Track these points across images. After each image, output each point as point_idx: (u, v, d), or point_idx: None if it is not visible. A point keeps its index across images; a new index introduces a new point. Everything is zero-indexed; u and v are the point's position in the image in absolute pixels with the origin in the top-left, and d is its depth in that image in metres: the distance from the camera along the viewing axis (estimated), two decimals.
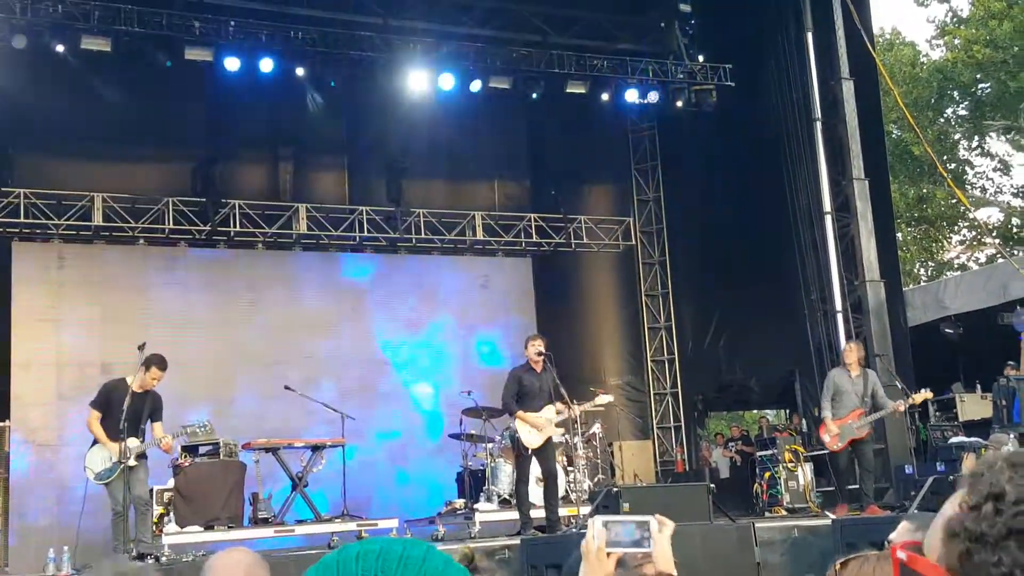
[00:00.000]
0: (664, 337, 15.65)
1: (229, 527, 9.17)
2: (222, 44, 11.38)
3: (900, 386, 10.93)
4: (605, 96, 13.26)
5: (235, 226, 13.28)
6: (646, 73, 13.29)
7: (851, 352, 9.36)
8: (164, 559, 7.98)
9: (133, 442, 7.79)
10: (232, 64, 11.50)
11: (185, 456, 9.53)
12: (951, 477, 7.23)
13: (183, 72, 11.62)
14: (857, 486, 9.60)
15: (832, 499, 10.42)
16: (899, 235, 21.53)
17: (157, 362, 8.05)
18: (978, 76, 23.58)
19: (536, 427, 8.51)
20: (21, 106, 11.98)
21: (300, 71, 11.84)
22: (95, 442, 8.10)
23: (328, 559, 1.32)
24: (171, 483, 9.34)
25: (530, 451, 8.58)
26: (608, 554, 2.07)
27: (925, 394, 9.54)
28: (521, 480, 8.76)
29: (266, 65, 11.64)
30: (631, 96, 13.26)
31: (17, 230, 12.38)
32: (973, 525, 1.17)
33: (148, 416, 7.99)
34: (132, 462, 7.75)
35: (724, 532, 6.87)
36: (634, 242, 15.86)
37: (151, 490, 8.91)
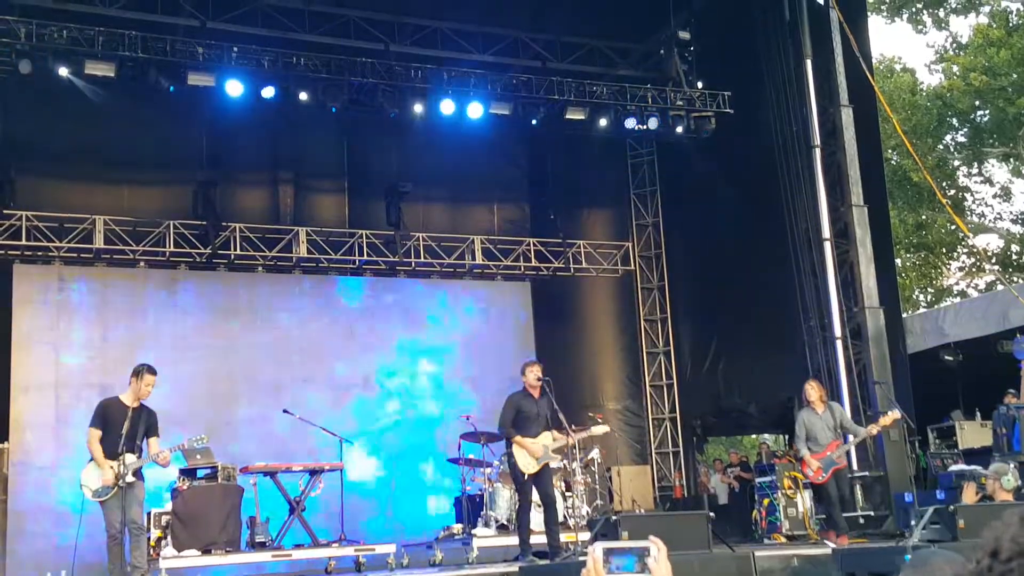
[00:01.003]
0: (663, 362, 15.66)
1: (227, 551, 9.14)
2: (224, 69, 11.46)
3: (900, 414, 10.94)
4: (604, 122, 13.34)
5: (235, 249, 13.33)
6: (645, 100, 13.37)
7: (812, 390, 9.58)
8: None
9: (130, 458, 7.77)
10: (234, 89, 11.58)
11: (183, 479, 9.51)
12: (951, 506, 7.20)
13: (185, 96, 11.70)
14: (854, 513, 9.61)
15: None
16: (898, 261, 21.59)
17: (148, 369, 8.05)
18: (976, 103, 23.72)
19: (532, 454, 8.50)
20: (24, 129, 12.07)
21: (302, 96, 11.91)
22: (91, 459, 8.07)
23: None
24: (169, 506, 9.30)
25: (526, 476, 8.55)
26: None
27: (893, 415, 9.70)
28: (523, 506, 8.72)
29: (267, 91, 11.71)
30: (630, 123, 13.34)
31: (19, 252, 12.41)
32: None
33: (144, 433, 7.96)
34: (130, 478, 7.71)
35: (723, 561, 6.85)
36: (633, 267, 15.90)
37: (148, 513, 8.87)
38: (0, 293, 12.06)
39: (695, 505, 13.35)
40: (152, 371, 8.04)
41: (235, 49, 11.52)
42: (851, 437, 9.57)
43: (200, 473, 9.72)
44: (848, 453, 9.63)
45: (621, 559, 2.07)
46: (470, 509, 10.56)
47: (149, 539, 8.64)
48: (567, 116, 13.13)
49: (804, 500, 10.95)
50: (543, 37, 13.65)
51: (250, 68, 11.63)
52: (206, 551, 9.02)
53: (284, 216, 13.96)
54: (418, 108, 12.52)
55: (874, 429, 9.58)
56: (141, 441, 7.85)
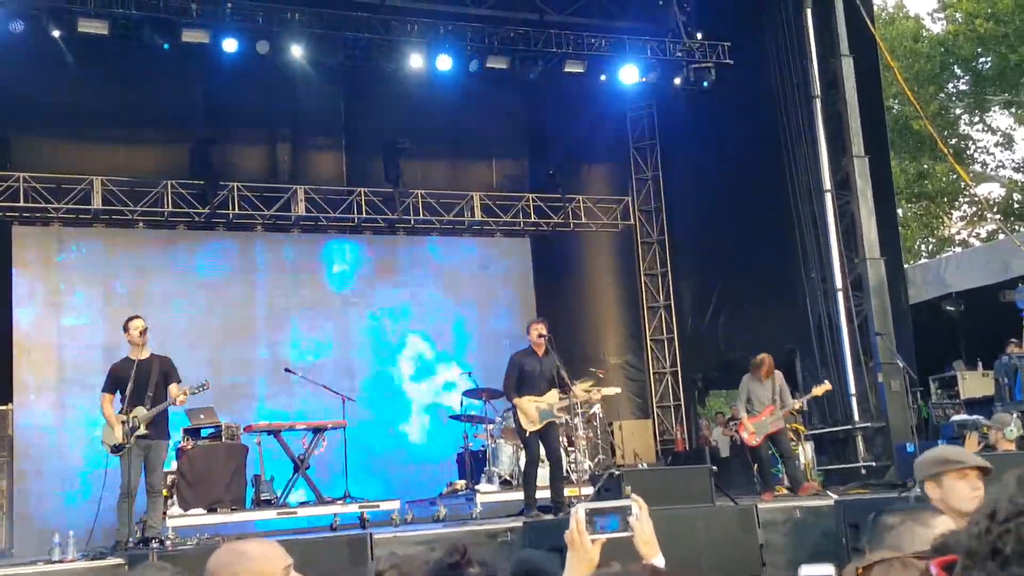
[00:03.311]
0: (663, 316, 15.66)
1: (232, 509, 9.21)
2: (219, 26, 11.30)
3: (901, 364, 10.96)
4: (603, 75, 13.18)
5: (234, 208, 13.27)
6: (644, 52, 13.21)
7: (764, 363, 10.19)
8: (169, 543, 8.01)
9: (139, 411, 7.81)
10: (229, 46, 11.43)
11: (187, 439, 9.57)
12: None
13: (180, 54, 11.55)
14: (855, 464, 9.78)
15: (840, 478, 10.90)
16: (899, 212, 21.49)
17: (129, 318, 8.14)
18: (979, 50, 23.46)
19: (528, 415, 8.50)
20: (19, 90, 11.94)
21: (297, 52, 11.76)
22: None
23: None
24: (174, 466, 9.36)
25: (529, 433, 8.58)
26: (592, 541, 2.09)
27: (825, 386, 10.34)
28: (529, 462, 8.76)
29: (262, 47, 11.56)
30: (629, 75, 13.19)
31: (17, 214, 12.36)
32: (967, 541, 1.18)
33: (160, 382, 7.99)
34: (143, 430, 7.76)
35: (726, 514, 6.89)
36: (633, 221, 15.84)
37: None
38: (0, 255, 12.01)
39: (697, 459, 13.43)
40: (135, 317, 8.12)
41: (229, 5, 11.35)
42: (784, 406, 10.09)
43: (204, 432, 9.78)
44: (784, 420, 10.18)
45: (604, 519, 2.07)
46: (472, 465, 10.63)
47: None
48: (565, 69, 12.97)
49: (805, 452, 11.04)
50: None
51: (244, 24, 11.47)
52: (212, 509, 9.10)
53: (282, 174, 13.87)
54: (415, 63, 12.37)
55: (798, 403, 10.30)
56: (156, 392, 7.88)
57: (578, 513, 2.08)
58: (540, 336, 8.66)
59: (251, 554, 2.40)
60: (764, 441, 9.90)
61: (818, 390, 10.29)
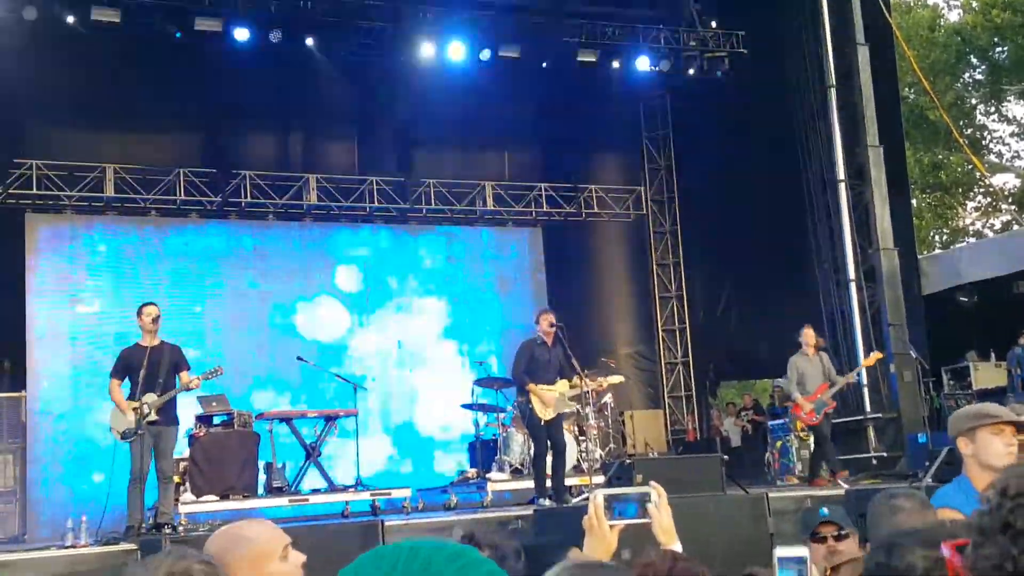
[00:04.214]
0: (675, 306, 15.63)
1: (244, 496, 9.25)
2: (232, 15, 11.30)
3: (914, 355, 10.92)
4: (616, 64, 13.13)
5: (246, 197, 13.30)
6: (657, 41, 13.15)
7: (811, 336, 9.82)
8: (181, 529, 8.05)
9: (150, 397, 7.85)
10: (242, 35, 11.44)
11: (200, 426, 9.60)
12: None
13: (193, 43, 11.56)
14: (867, 455, 9.72)
15: (850, 468, 10.59)
16: (913, 202, 21.37)
17: (144, 304, 8.19)
18: (996, 40, 23.27)
19: (547, 403, 8.52)
20: (33, 79, 11.96)
21: (310, 41, 11.75)
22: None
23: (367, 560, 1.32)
24: (186, 453, 9.41)
25: (542, 423, 8.59)
26: (611, 527, 2.08)
27: (876, 355, 10.11)
28: (538, 452, 8.77)
29: (275, 36, 11.56)
30: (642, 64, 13.14)
31: (30, 202, 12.41)
32: (978, 518, 1.19)
33: (171, 369, 8.03)
34: (153, 416, 7.80)
35: (737, 503, 6.87)
36: (645, 211, 15.80)
37: None
38: (13, 243, 12.07)
39: (708, 448, 13.43)
40: (149, 303, 8.16)
41: None
42: (835, 383, 9.80)
43: (216, 420, 9.82)
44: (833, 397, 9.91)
45: (622, 505, 2.06)
46: (484, 454, 10.64)
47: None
48: (578, 59, 12.93)
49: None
50: None
51: (257, 13, 11.46)
52: (224, 496, 9.13)
53: (294, 163, 13.88)
54: (427, 52, 12.35)
55: (852, 377, 10.02)
56: (166, 379, 7.92)
57: (596, 499, 2.07)
58: (551, 325, 8.66)
59: (249, 535, 2.39)
60: (824, 419, 9.50)
61: (868, 360, 9.98)
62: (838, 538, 3.42)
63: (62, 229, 12.57)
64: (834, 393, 9.67)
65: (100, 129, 12.90)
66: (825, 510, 3.47)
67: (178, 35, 11.22)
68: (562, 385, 8.69)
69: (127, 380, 8.05)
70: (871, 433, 11.69)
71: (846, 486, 8.54)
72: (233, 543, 2.35)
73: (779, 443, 11.34)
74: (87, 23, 10.87)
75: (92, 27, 11.01)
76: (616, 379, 9.62)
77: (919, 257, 14.38)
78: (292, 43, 11.82)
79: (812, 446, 10.02)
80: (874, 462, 11.30)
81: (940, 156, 24.78)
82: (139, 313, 8.14)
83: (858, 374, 10.36)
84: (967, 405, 10.83)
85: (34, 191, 12.33)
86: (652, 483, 2.13)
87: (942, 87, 23.09)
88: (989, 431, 3.29)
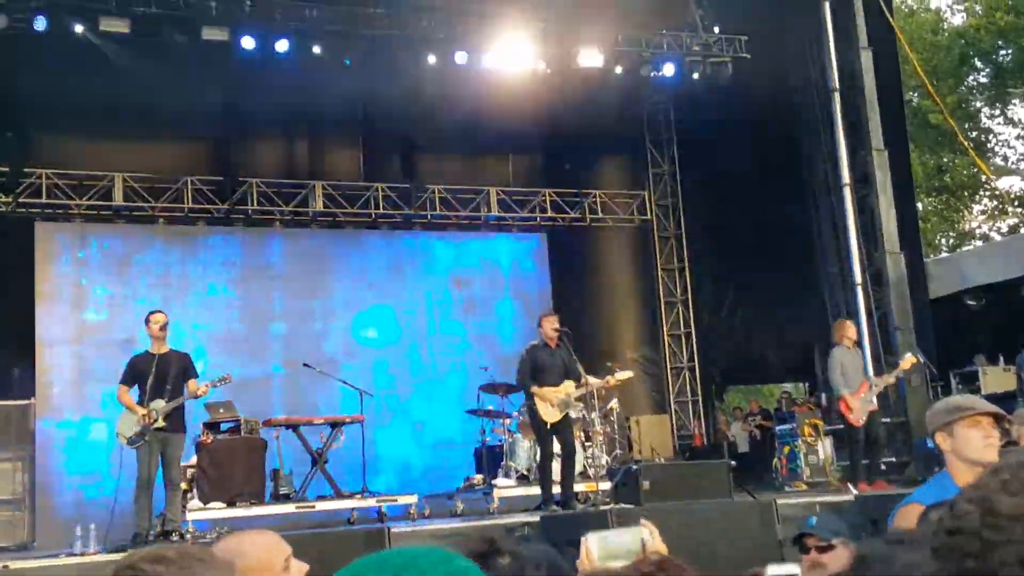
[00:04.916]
0: (680, 310, 15.62)
1: (251, 503, 9.28)
2: (238, 23, 11.35)
3: (922, 359, 10.90)
4: (619, 69, 13.15)
5: (253, 204, 13.35)
6: (661, 46, 13.16)
7: (850, 328, 9.46)
8: (188, 536, 8.08)
9: (158, 403, 7.88)
10: (248, 43, 11.49)
11: (207, 433, 9.64)
12: None
13: (200, 52, 11.61)
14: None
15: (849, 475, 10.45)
16: (919, 205, 21.35)
17: (151, 312, 8.25)
18: (1000, 43, 23.26)
19: (552, 402, 8.53)
20: (42, 88, 12.02)
21: (315, 49, 11.80)
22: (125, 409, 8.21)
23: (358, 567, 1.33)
24: (194, 460, 9.44)
25: (548, 426, 8.60)
26: (605, 571, 2.02)
27: (912, 359, 9.70)
28: (544, 456, 8.78)
29: (281, 45, 11.62)
30: (646, 69, 13.15)
31: (39, 210, 12.48)
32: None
33: (179, 376, 8.07)
34: (160, 422, 7.84)
35: (745, 509, 6.87)
36: (649, 216, 15.80)
37: None
38: (23, 251, 12.13)
39: (714, 454, 13.42)
40: (157, 311, 8.21)
41: (248, 2, 11.40)
42: (875, 381, 9.42)
43: (224, 427, 9.85)
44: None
45: (615, 545, 2.02)
46: (490, 460, 10.65)
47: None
48: (582, 64, 12.95)
49: (825, 447, 10.98)
50: None
51: (263, 22, 11.52)
52: (231, 503, 9.16)
53: (300, 170, 13.93)
54: (432, 59, 12.39)
55: (891, 378, 9.54)
56: (173, 385, 7.96)
57: (589, 543, 2.03)
58: (555, 329, 8.68)
59: (248, 549, 2.39)
60: (869, 419, 9.01)
61: (906, 363, 9.46)
62: (822, 549, 3.32)
63: (71, 237, 12.63)
64: (876, 393, 9.22)
65: (108, 138, 12.96)
66: (813, 519, 3.35)
67: (185, 44, 11.27)
68: (567, 386, 8.68)
69: (136, 387, 8.10)
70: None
71: (855, 492, 8.53)
72: (234, 554, 2.36)
73: (787, 448, 11.33)
74: (96, 33, 10.93)
75: (100, 37, 11.06)
76: (625, 375, 9.42)
77: (926, 261, 14.38)
78: (297, 51, 11.87)
79: (852, 446, 9.45)
80: (883, 467, 11.28)
81: (945, 159, 24.76)
82: (147, 321, 8.19)
83: (899, 377, 9.86)
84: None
85: (44, 200, 12.40)
86: (643, 520, 2.10)
87: (945, 90, 23.07)
88: (966, 424, 3.18)
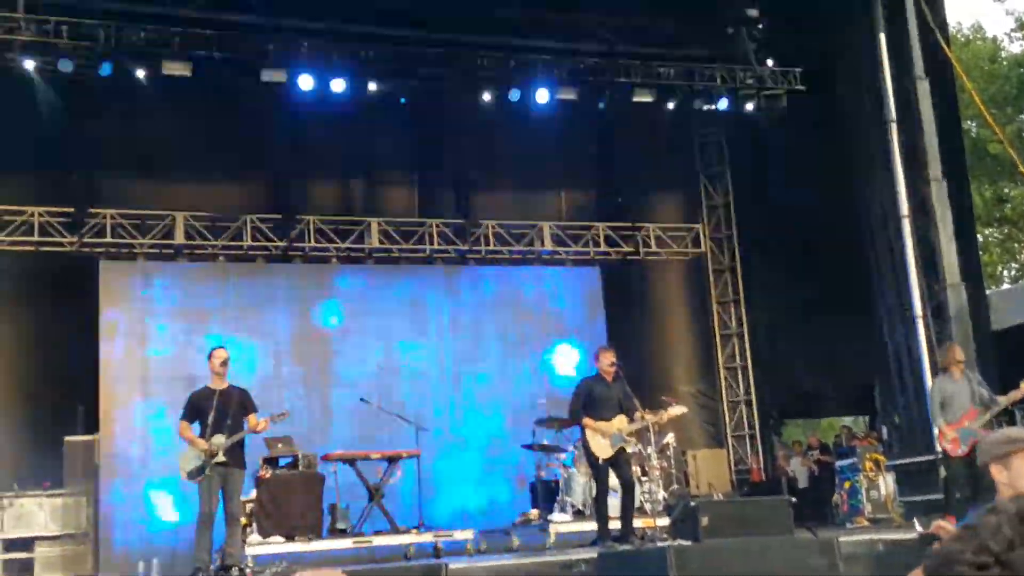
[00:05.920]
0: (736, 344, 15.49)
1: (309, 538, 9.34)
2: (296, 65, 11.64)
3: (986, 393, 10.63)
4: (672, 104, 13.19)
5: (310, 241, 13.58)
6: (714, 80, 13.19)
7: (958, 352, 8.95)
8: (248, 571, 8.15)
9: (219, 439, 7.99)
10: (305, 83, 11.77)
11: (266, 468, 9.75)
12: None
13: (258, 93, 11.91)
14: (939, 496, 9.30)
15: (922, 510, 10.11)
16: (979, 237, 20.96)
17: (214, 348, 8.39)
18: None
19: (603, 434, 8.48)
20: (105, 131, 12.44)
21: (371, 88, 12.05)
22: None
23: None
24: (253, 495, 9.55)
25: (601, 461, 8.54)
26: None
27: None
28: (600, 492, 8.72)
29: (338, 85, 11.88)
30: (699, 103, 13.18)
31: (103, 249, 12.82)
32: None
33: (239, 412, 8.18)
34: (221, 457, 7.93)
35: (806, 546, 6.76)
36: (704, 249, 15.74)
37: None
38: (87, 290, 12.45)
39: (773, 489, 13.21)
40: (218, 347, 8.36)
41: (305, 44, 11.69)
42: (991, 407, 8.78)
43: (282, 462, 9.95)
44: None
45: None
46: (545, 495, 10.61)
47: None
48: (634, 99, 13.02)
49: (887, 483, 10.77)
50: (609, 20, 13.52)
51: (320, 63, 11.79)
52: (289, 537, 9.24)
53: (356, 208, 14.16)
54: (486, 96, 12.55)
55: (1016, 395, 8.72)
56: (234, 421, 8.06)
57: None
58: (611, 364, 8.66)
59: None
60: (970, 451, 8.35)
61: (1020, 391, 8.60)
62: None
63: (134, 276, 12.94)
64: (986, 421, 8.66)
65: (170, 179, 13.31)
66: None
67: (244, 86, 11.58)
68: (620, 420, 8.63)
69: (196, 423, 8.23)
70: (942, 473, 11.39)
71: (920, 529, 8.32)
72: None
73: (848, 484, 11.13)
74: (159, 77, 11.28)
75: (162, 80, 11.41)
76: (679, 410, 9.26)
77: (988, 292, 14.09)
78: (353, 90, 12.12)
79: (946, 477, 9.03)
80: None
81: (1006, 189, 24.30)
82: (210, 356, 8.35)
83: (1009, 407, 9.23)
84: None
85: (107, 239, 12.75)
86: None
87: (1004, 119, 22.70)
88: (1023, 456, 3.19)
